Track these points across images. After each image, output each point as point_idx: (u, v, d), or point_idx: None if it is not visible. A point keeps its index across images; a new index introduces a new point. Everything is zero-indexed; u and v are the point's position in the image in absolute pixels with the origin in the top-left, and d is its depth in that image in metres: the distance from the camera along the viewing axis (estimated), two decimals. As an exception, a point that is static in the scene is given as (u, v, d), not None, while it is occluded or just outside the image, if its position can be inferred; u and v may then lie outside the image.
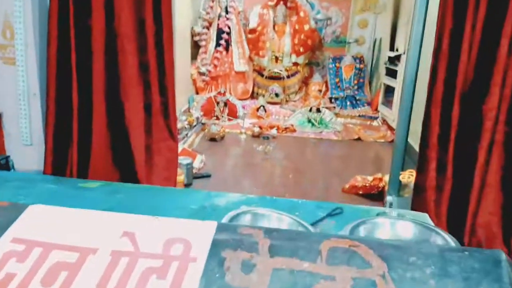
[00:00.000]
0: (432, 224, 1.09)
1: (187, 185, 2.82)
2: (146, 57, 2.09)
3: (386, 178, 2.70)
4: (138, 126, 2.15)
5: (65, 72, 2.05)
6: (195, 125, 4.19)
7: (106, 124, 2.16)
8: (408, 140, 2.34)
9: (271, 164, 3.51)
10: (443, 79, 1.90)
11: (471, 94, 1.88)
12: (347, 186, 2.86)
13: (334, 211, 1.08)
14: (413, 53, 2.16)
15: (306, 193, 2.87)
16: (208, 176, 3.03)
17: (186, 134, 3.82)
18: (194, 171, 3.03)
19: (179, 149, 3.25)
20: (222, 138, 4.06)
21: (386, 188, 2.62)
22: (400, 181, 2.32)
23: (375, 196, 2.75)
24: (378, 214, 1.00)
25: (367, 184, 2.76)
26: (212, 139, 3.97)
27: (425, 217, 1.13)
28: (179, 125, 3.69)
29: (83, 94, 2.08)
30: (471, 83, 1.88)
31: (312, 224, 1.02)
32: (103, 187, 1.19)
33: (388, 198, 2.33)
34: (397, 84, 4.40)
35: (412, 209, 2.18)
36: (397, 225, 0.91)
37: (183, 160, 2.81)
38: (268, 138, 4.07)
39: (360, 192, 2.79)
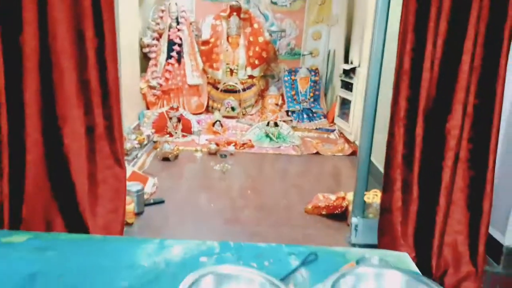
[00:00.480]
0: (414, 265, 1.00)
1: (138, 213, 2.60)
2: (86, 74, 1.89)
3: (349, 196, 2.64)
4: (79, 153, 1.94)
5: (-10, 95, 1.80)
6: (146, 144, 3.95)
7: (43, 152, 1.92)
8: (371, 158, 2.29)
9: (229, 184, 3.36)
10: (405, 97, 1.86)
11: (434, 112, 1.86)
12: (309, 206, 2.77)
13: (308, 257, 0.95)
14: (373, 72, 2.12)
15: (268, 216, 2.74)
16: (162, 202, 2.83)
17: (136, 155, 3.58)
18: (146, 197, 2.81)
19: (129, 172, 3.02)
20: (176, 157, 3.86)
21: (350, 207, 2.56)
22: (364, 202, 2.25)
23: (338, 216, 2.67)
24: (358, 261, 0.89)
25: (330, 204, 2.68)
26: (165, 159, 3.77)
27: (405, 256, 1.03)
28: (128, 145, 3.45)
29: (14, 120, 1.84)
30: (433, 101, 1.85)
31: (286, 277, 0.89)
32: (31, 241, 0.98)
33: (353, 220, 2.26)
34: (353, 97, 4.41)
35: (379, 230, 2.12)
36: (382, 276, 0.80)
37: (132, 186, 2.60)
38: (225, 156, 3.92)
39: (323, 212, 2.71)
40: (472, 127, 1.85)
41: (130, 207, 2.46)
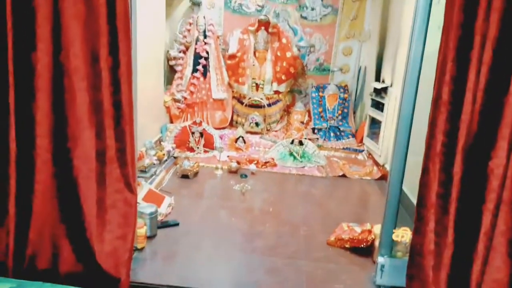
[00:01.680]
0: None
1: (151, 237, 2.51)
2: (99, 95, 1.83)
3: (376, 229, 2.46)
4: (89, 176, 1.87)
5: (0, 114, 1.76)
6: (165, 160, 3.90)
7: (52, 174, 1.87)
8: (402, 187, 2.12)
9: (247, 207, 3.24)
10: (443, 131, 1.69)
11: (476, 148, 1.68)
12: (332, 238, 2.61)
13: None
14: (408, 98, 1.95)
15: (286, 246, 2.60)
16: (176, 224, 2.73)
17: (155, 172, 3.52)
18: (161, 218, 2.73)
19: (145, 191, 2.96)
20: (196, 174, 3.78)
21: (376, 242, 2.38)
22: (393, 240, 2.08)
23: (363, 250, 2.49)
24: None
25: (355, 237, 2.51)
26: (184, 176, 3.69)
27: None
28: (146, 162, 3.40)
29: (23, 139, 1.79)
30: (475, 137, 1.67)
31: None
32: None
33: (380, 260, 2.08)
34: (383, 117, 4.22)
35: (408, 274, 1.94)
36: None
37: (146, 208, 2.51)
38: (246, 176, 3.80)
39: (347, 246, 2.54)
40: (518, 166, 1.66)
41: (142, 230, 2.37)
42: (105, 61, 1.76)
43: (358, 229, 2.57)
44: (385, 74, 4.51)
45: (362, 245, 2.50)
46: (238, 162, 4.08)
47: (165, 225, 2.70)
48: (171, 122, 4.94)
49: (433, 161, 1.73)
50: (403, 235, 2.06)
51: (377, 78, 4.75)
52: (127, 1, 1.82)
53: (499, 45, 1.54)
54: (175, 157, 4.16)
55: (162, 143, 4.33)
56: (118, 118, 1.85)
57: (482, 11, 1.56)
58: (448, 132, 1.67)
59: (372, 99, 4.65)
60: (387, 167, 3.90)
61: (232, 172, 3.98)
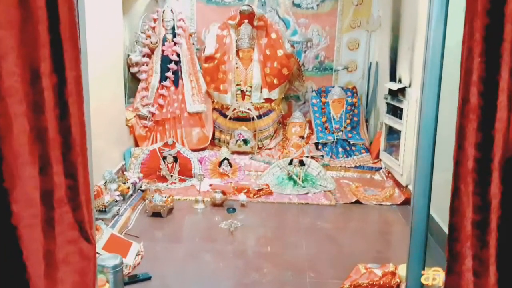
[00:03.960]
0: None
1: (116, 296, 2.50)
2: (43, 121, 1.83)
3: (401, 270, 2.48)
4: (33, 225, 1.86)
5: None
6: (131, 195, 3.89)
7: (-17, 223, 1.85)
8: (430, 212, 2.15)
9: (237, 250, 3.25)
10: (474, 144, 1.73)
11: (517, 164, 1.71)
12: (347, 284, 2.61)
13: None
14: (429, 105, 2.00)
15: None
16: (148, 278, 2.72)
17: (118, 211, 3.51)
18: (127, 271, 2.73)
19: (106, 237, 2.96)
20: (170, 211, 3.78)
21: (402, 287, 2.39)
22: (422, 284, 2.09)
23: (387, 298, 2.50)
24: None
25: (375, 282, 2.52)
26: (156, 214, 3.68)
27: None
28: (106, 199, 3.39)
29: None
30: (514, 149, 1.70)
31: None
32: None
33: (408, 310, 2.09)
34: (403, 125, 4.28)
35: (443, 326, 1.95)
36: None
37: (108, 259, 2.51)
38: (234, 210, 3.80)
39: (366, 293, 2.55)
40: None
41: (104, 289, 2.36)
42: (48, 78, 1.77)
43: (378, 272, 2.59)
44: (402, 71, 4.59)
45: (385, 292, 2.51)
46: (223, 192, 4.07)
47: (133, 280, 2.68)
48: (136, 145, 4.95)
49: (465, 181, 1.75)
50: (435, 277, 2.07)
51: (393, 77, 4.83)
52: (72, 1, 1.85)
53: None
54: (142, 190, 4.15)
55: (125, 173, 4.33)
56: (67, 148, 1.85)
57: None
58: (480, 145, 1.70)
59: (388, 104, 4.71)
60: (412, 188, 3.94)
61: (216, 205, 3.97)
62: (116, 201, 3.57)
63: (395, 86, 4.50)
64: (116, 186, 3.68)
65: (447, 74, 2.06)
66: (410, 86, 4.29)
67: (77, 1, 1.95)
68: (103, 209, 3.39)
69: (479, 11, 1.68)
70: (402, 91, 4.39)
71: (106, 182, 3.69)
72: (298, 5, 5.65)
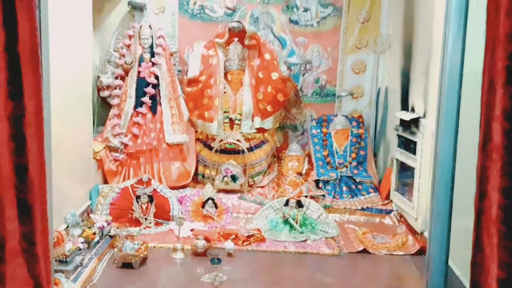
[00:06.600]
0: None
1: None
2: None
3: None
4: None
5: None
6: (97, 242, 3.85)
7: None
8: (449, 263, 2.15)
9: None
10: (499, 188, 1.74)
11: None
12: None
13: None
14: (445, 139, 2.02)
15: None
16: None
17: (81, 262, 3.46)
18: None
19: (67, 292, 2.90)
20: (144, 261, 3.74)
21: None
22: None
23: None
24: None
25: None
26: (127, 265, 3.64)
27: None
28: (68, 247, 3.36)
29: None
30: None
31: None
32: None
33: None
34: (417, 162, 4.31)
35: None
36: None
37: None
38: (218, 261, 3.75)
39: None
40: None
41: None
42: (2, 107, 1.78)
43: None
44: (415, 99, 4.65)
45: None
46: (207, 239, 4.04)
47: None
48: (105, 182, 4.94)
49: (488, 232, 1.77)
50: None
51: (404, 106, 4.88)
52: (33, 15, 1.86)
53: None
54: (111, 237, 4.12)
55: (91, 215, 4.30)
56: (23, 189, 1.85)
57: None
58: (505, 189, 1.72)
59: (399, 136, 4.75)
60: (427, 235, 3.94)
61: (198, 254, 3.94)
62: (80, 249, 3.53)
63: (407, 116, 4.55)
64: (80, 232, 3.65)
65: (468, 102, 2.09)
66: (424, 116, 4.34)
67: (39, 17, 1.98)
68: (64, 259, 3.34)
69: (501, 36, 1.72)
70: (415, 121, 4.43)
71: (68, 226, 3.66)
72: (296, 22, 5.73)
